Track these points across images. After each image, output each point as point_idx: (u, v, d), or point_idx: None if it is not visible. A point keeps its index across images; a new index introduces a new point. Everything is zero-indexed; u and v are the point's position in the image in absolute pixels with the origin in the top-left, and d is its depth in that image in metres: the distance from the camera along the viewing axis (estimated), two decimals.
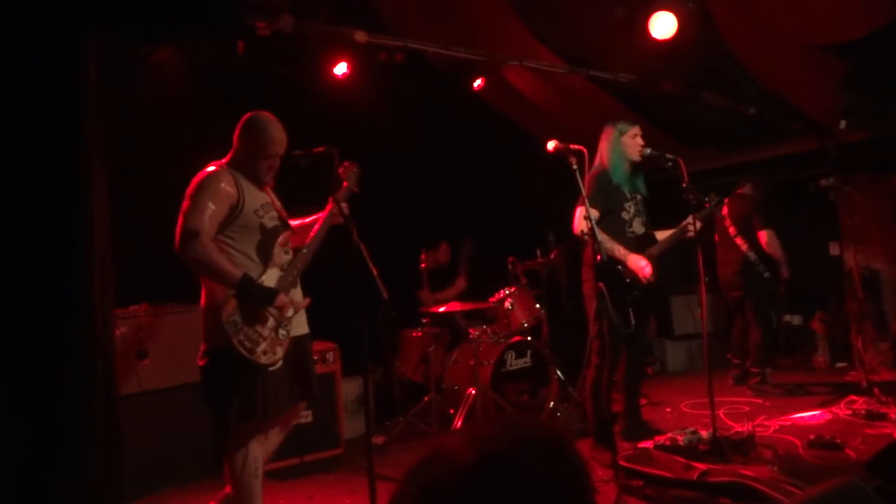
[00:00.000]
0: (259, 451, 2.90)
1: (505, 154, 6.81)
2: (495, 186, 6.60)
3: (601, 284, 3.52)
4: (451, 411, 4.79)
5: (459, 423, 4.54)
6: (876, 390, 4.81)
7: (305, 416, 3.83)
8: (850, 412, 4.51)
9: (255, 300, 2.75)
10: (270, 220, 2.92)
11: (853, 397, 4.80)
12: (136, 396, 3.89)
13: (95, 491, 2.68)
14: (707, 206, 4.08)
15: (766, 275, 5.42)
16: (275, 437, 3.05)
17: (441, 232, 5.92)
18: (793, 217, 5.90)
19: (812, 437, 3.93)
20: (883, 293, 6.50)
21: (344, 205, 3.04)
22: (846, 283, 5.93)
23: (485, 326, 5.31)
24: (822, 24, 4.39)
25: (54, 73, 2.66)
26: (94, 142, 2.79)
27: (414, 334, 5.30)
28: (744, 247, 5.46)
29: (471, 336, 5.16)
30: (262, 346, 2.76)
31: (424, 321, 5.42)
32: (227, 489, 2.94)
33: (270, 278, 2.85)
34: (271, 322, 2.80)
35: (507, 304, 5.22)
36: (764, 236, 5.40)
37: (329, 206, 3.05)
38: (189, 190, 2.78)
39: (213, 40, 4.73)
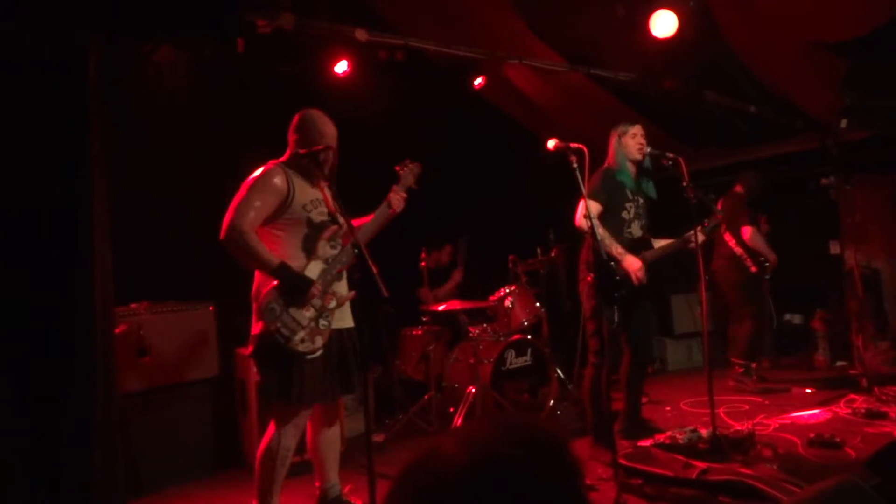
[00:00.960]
0: (292, 440, 2.99)
1: (505, 152, 6.81)
2: (496, 184, 6.59)
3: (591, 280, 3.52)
4: (452, 410, 4.79)
5: (459, 421, 4.55)
6: (876, 389, 4.81)
7: None
8: (849, 411, 4.51)
9: (292, 287, 2.87)
10: (318, 216, 3.03)
11: (853, 396, 4.80)
12: (136, 394, 3.89)
13: (96, 489, 2.69)
14: (707, 225, 4.03)
15: (753, 269, 5.52)
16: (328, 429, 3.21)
17: (441, 230, 5.91)
18: (793, 216, 5.91)
19: (812, 435, 3.93)
20: (883, 292, 6.50)
21: (399, 200, 3.22)
22: (846, 281, 5.93)
23: (485, 325, 5.31)
24: (822, 22, 4.39)
25: (54, 72, 2.67)
26: (94, 140, 2.80)
27: (414, 332, 5.30)
28: (731, 242, 5.61)
29: (471, 334, 5.16)
30: (301, 335, 2.87)
31: (425, 319, 5.42)
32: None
33: (313, 270, 2.97)
34: (312, 312, 2.92)
35: (508, 303, 5.22)
36: (746, 232, 5.53)
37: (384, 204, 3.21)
38: (245, 183, 2.94)
39: (214, 38, 4.72)
